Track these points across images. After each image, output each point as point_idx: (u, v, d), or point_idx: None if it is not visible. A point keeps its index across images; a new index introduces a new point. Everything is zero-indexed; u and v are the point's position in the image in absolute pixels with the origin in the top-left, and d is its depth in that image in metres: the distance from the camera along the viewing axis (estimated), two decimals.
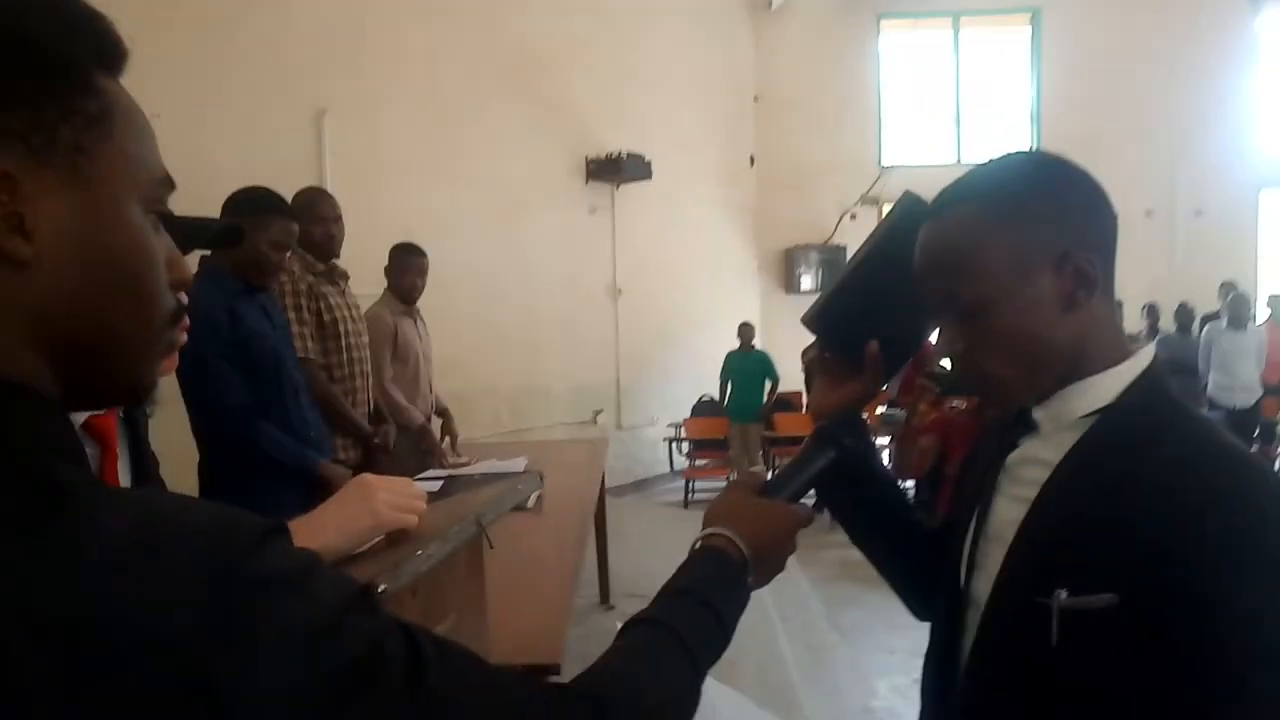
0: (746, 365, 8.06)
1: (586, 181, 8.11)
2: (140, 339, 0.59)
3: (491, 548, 1.05)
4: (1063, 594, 0.83)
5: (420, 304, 4.17)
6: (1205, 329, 7.63)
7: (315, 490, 2.51)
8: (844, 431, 1.00)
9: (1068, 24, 10.43)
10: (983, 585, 0.95)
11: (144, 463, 1.15)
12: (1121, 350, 0.91)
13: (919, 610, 1.19)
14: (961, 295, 0.90)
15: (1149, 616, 0.79)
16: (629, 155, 8.00)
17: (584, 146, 8.06)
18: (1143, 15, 10.15)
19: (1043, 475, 0.91)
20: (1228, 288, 7.72)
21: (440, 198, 6.48)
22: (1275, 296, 8.10)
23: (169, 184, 0.62)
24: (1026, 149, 0.97)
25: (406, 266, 4.04)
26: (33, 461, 0.50)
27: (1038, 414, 0.94)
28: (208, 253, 2.65)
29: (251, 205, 2.61)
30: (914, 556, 1.15)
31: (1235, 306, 7.41)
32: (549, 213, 7.69)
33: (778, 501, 0.94)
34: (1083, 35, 10.33)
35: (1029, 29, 10.74)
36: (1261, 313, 8.16)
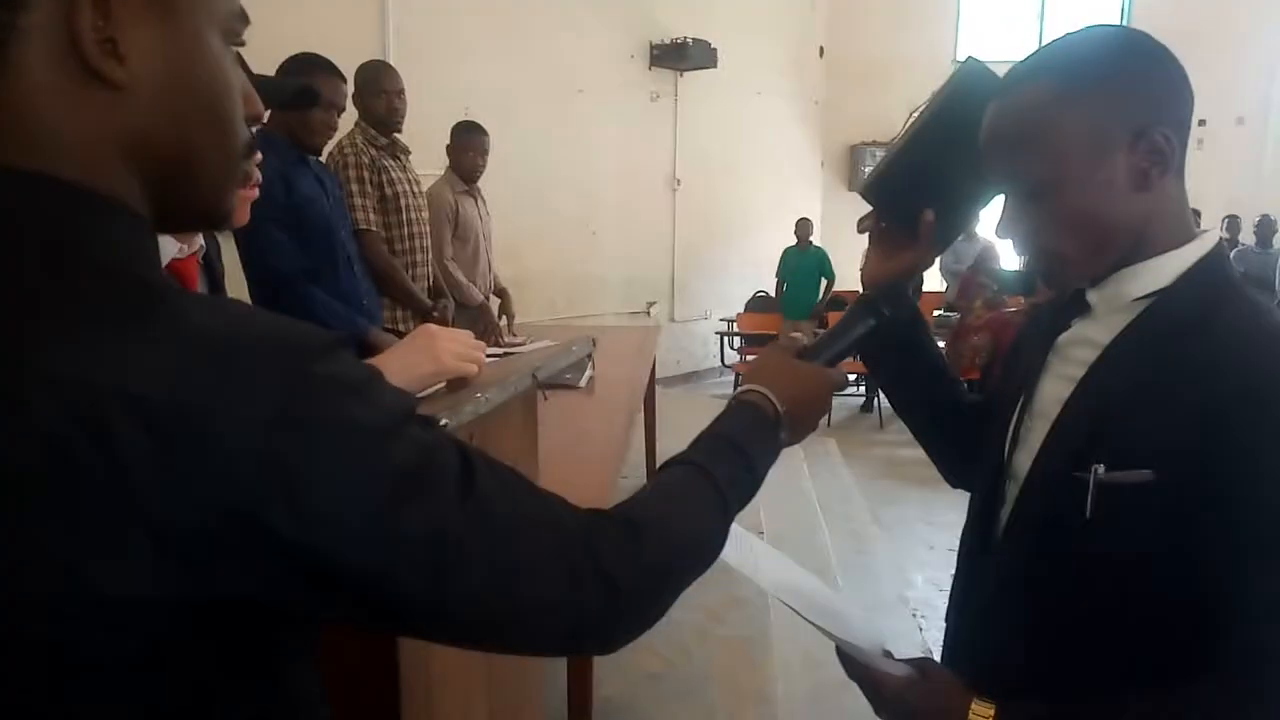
0: (803, 262, 7.96)
1: (650, 67, 7.92)
2: (220, 165, 0.62)
3: (545, 399, 1.10)
4: (1100, 469, 0.84)
5: (480, 184, 4.19)
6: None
7: (365, 357, 2.59)
8: (886, 301, 1.01)
9: None
10: (1024, 459, 0.97)
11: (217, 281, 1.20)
12: (1187, 232, 0.89)
13: (956, 480, 1.22)
14: (1031, 175, 0.89)
15: (1183, 494, 0.80)
16: (694, 41, 7.77)
17: (649, 31, 7.84)
18: None
19: (1092, 356, 0.91)
20: (1264, 221, 7.37)
21: (502, 78, 6.39)
22: None
23: (245, 18, 0.64)
24: (1104, 24, 0.93)
25: (469, 145, 4.04)
26: (131, 267, 0.54)
27: (1091, 296, 0.93)
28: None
29: (301, 66, 2.65)
30: (956, 427, 1.17)
31: (1264, 225, 7.09)
32: (610, 98, 7.55)
33: (814, 364, 0.96)
34: None
35: None
36: None
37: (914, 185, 1.05)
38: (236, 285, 2.57)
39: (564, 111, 7.09)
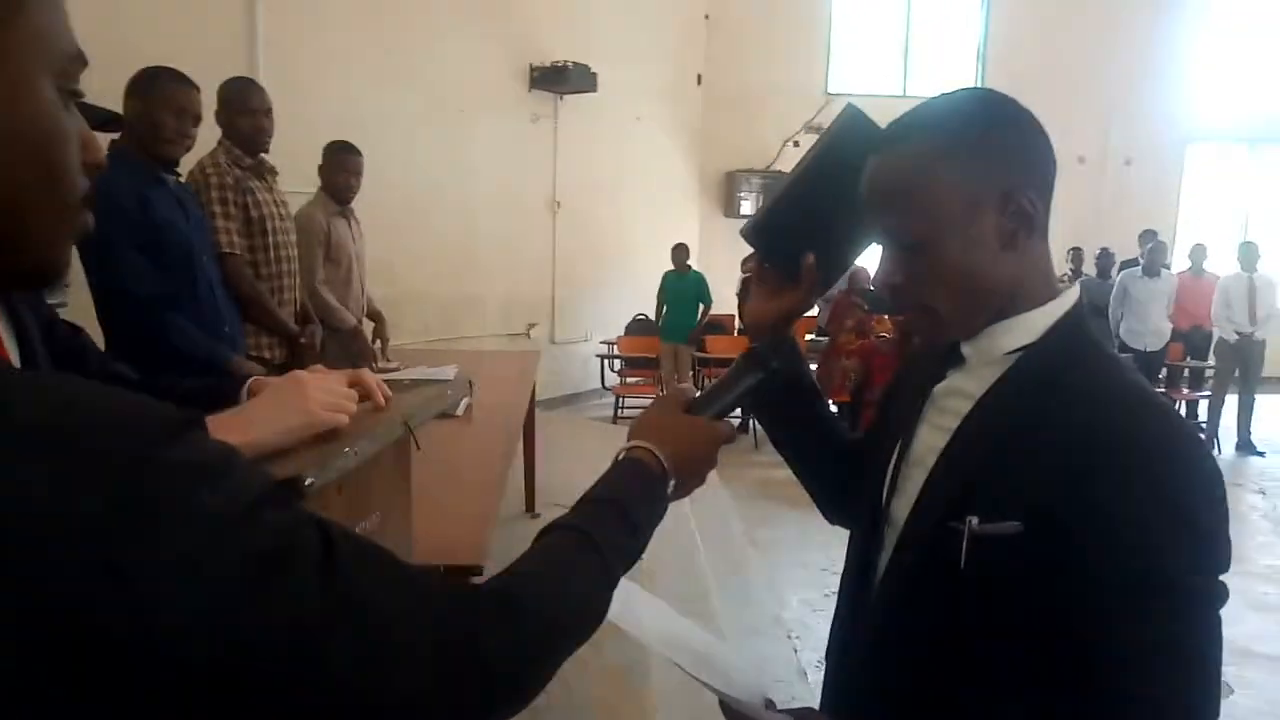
0: (682, 286, 8.08)
1: (530, 89, 7.91)
2: (52, 218, 0.57)
3: (419, 449, 1.06)
4: (974, 520, 0.87)
5: (354, 205, 4.06)
6: (1121, 275, 7.90)
7: (227, 386, 2.47)
8: (774, 354, 1.02)
9: None
10: (902, 507, 0.99)
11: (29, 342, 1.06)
12: (1051, 289, 0.94)
13: (833, 517, 1.25)
14: (906, 230, 0.91)
15: (1050, 544, 0.83)
16: (574, 65, 7.80)
17: (529, 53, 7.83)
18: None
19: (965, 407, 0.94)
20: (1148, 236, 7.98)
21: (378, 96, 6.25)
22: (1198, 246, 8.40)
23: (81, 60, 0.59)
24: (975, 86, 0.96)
25: (342, 165, 3.92)
26: None
27: (966, 349, 0.96)
28: (116, 137, 2.55)
29: (150, 78, 2.57)
30: (835, 469, 1.20)
31: (1153, 254, 7.69)
32: (490, 119, 7.50)
33: (702, 418, 0.95)
34: None
35: None
36: (1180, 262, 8.47)
37: (796, 228, 1.07)
38: (83, 308, 2.41)
39: (444, 131, 6.99)
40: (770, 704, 0.98)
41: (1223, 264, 8.30)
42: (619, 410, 8.19)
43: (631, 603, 0.98)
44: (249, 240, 3.00)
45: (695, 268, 8.38)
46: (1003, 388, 0.92)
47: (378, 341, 4.05)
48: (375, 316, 4.14)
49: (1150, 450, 0.82)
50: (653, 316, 8.46)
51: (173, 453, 0.49)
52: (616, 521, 0.78)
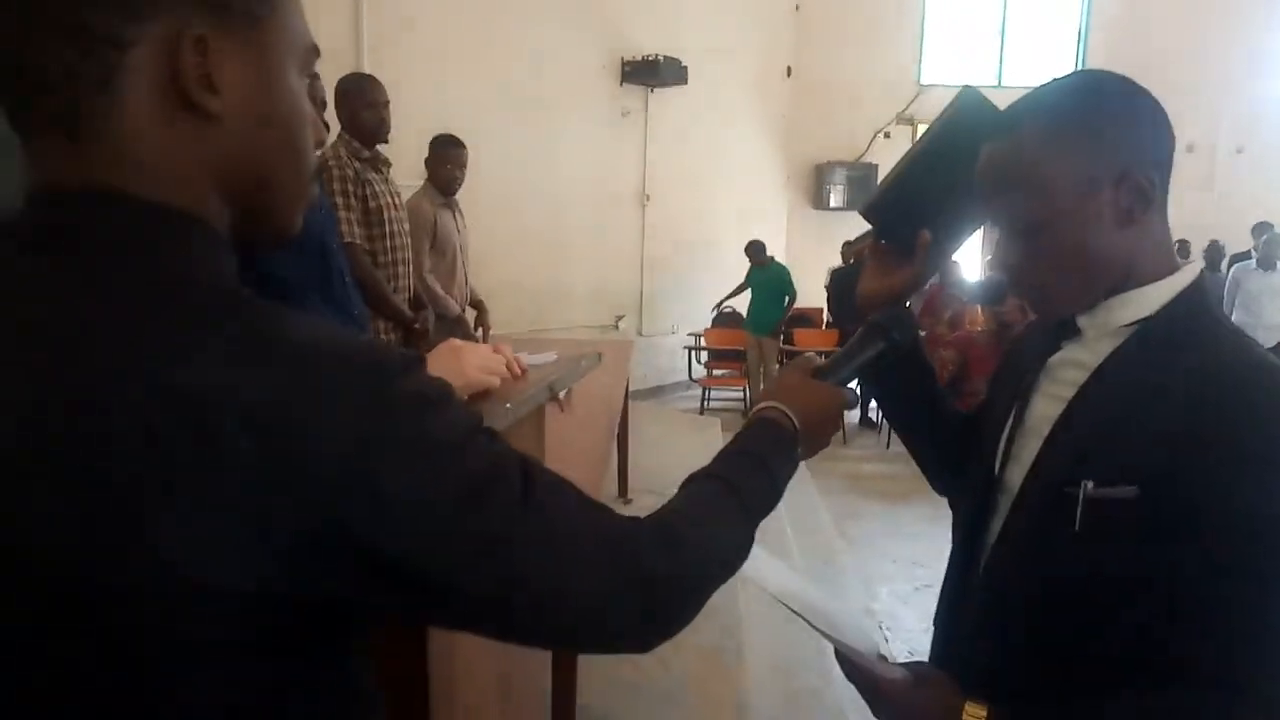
0: (764, 279, 8.09)
1: (621, 83, 8.00)
2: (296, 189, 0.67)
3: (563, 411, 1.14)
4: (1089, 485, 0.90)
5: (457, 196, 4.21)
6: (1233, 268, 7.59)
7: None
8: (894, 325, 1.07)
9: None
10: (1016, 474, 1.02)
11: None
12: (1170, 264, 0.96)
13: (942, 487, 1.29)
14: (1022, 213, 0.95)
15: (1166, 510, 0.86)
16: (665, 59, 7.87)
17: (620, 47, 7.93)
18: None
19: (1081, 377, 0.97)
20: (1263, 228, 7.62)
21: (473, 92, 6.43)
22: None
23: (316, 51, 0.69)
24: (1089, 69, 1.00)
25: (447, 158, 4.06)
26: (232, 286, 0.58)
27: (1082, 321, 0.99)
28: None
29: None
30: (946, 439, 1.24)
31: (1268, 247, 7.35)
32: (582, 112, 7.63)
33: (828, 384, 1.01)
34: None
35: None
36: None
37: (911, 207, 1.11)
38: None
39: (536, 126, 7.14)
40: (883, 658, 1.03)
41: None
42: (705, 402, 8.25)
43: (756, 559, 1.05)
44: (367, 230, 3.16)
45: (782, 260, 8.37)
46: (1120, 358, 0.95)
47: (479, 329, 4.19)
48: (478, 305, 4.28)
49: (1263, 422, 0.84)
50: (739, 309, 8.46)
51: (408, 384, 0.58)
52: (755, 472, 0.85)
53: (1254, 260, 7.40)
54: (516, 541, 0.61)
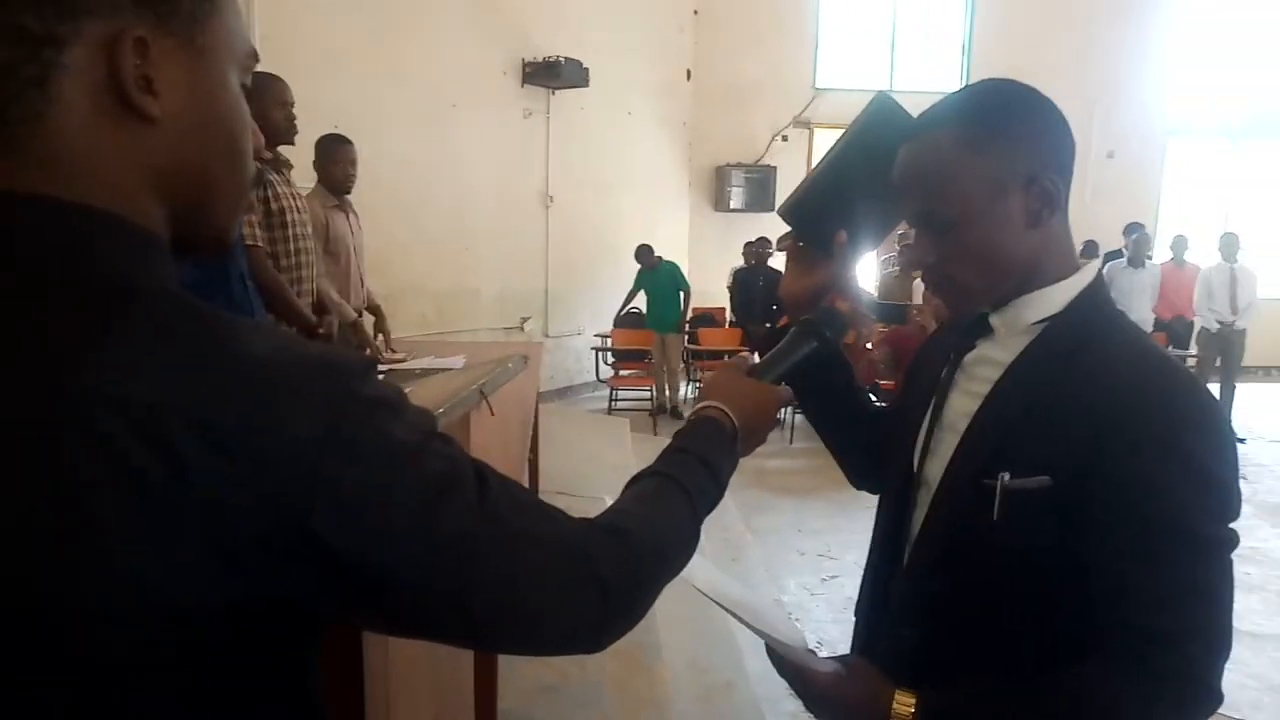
0: (657, 279, 8.17)
1: (523, 84, 7.96)
2: (235, 194, 0.66)
3: (493, 414, 1.14)
4: (1005, 476, 0.95)
5: (350, 198, 4.12)
6: (1107, 266, 8.05)
7: None
8: (825, 324, 1.11)
9: None
10: (935, 468, 1.07)
11: None
12: (1072, 264, 1.02)
13: (860, 483, 1.33)
14: (938, 212, 0.99)
15: (1077, 498, 0.92)
16: (567, 60, 7.87)
17: (521, 48, 7.89)
18: None
19: (995, 374, 1.03)
20: (1133, 228, 8.11)
21: (370, 91, 6.29)
22: (1180, 238, 8.56)
23: (255, 56, 0.68)
24: (999, 77, 1.05)
25: (337, 156, 3.97)
26: (178, 293, 0.57)
27: (994, 320, 1.04)
28: None
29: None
30: (866, 436, 1.28)
31: (1138, 246, 7.84)
32: (483, 113, 7.56)
33: (764, 382, 1.04)
34: None
35: None
36: (1162, 254, 8.62)
37: (829, 208, 1.15)
38: None
39: (436, 126, 7.04)
40: (812, 652, 1.05)
41: (1202, 255, 8.45)
42: (613, 401, 8.28)
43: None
44: (269, 233, 3.07)
45: (685, 261, 8.46)
46: (1031, 355, 1.00)
47: (379, 335, 4.10)
48: (375, 310, 4.18)
49: (1169, 410, 0.91)
50: (639, 310, 8.51)
51: (366, 388, 0.58)
52: (699, 469, 0.87)
53: (1125, 259, 7.86)
54: (476, 544, 0.61)
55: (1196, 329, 8.06)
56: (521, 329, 8.26)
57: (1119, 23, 10.48)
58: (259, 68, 0.72)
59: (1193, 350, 8.12)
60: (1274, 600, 4.32)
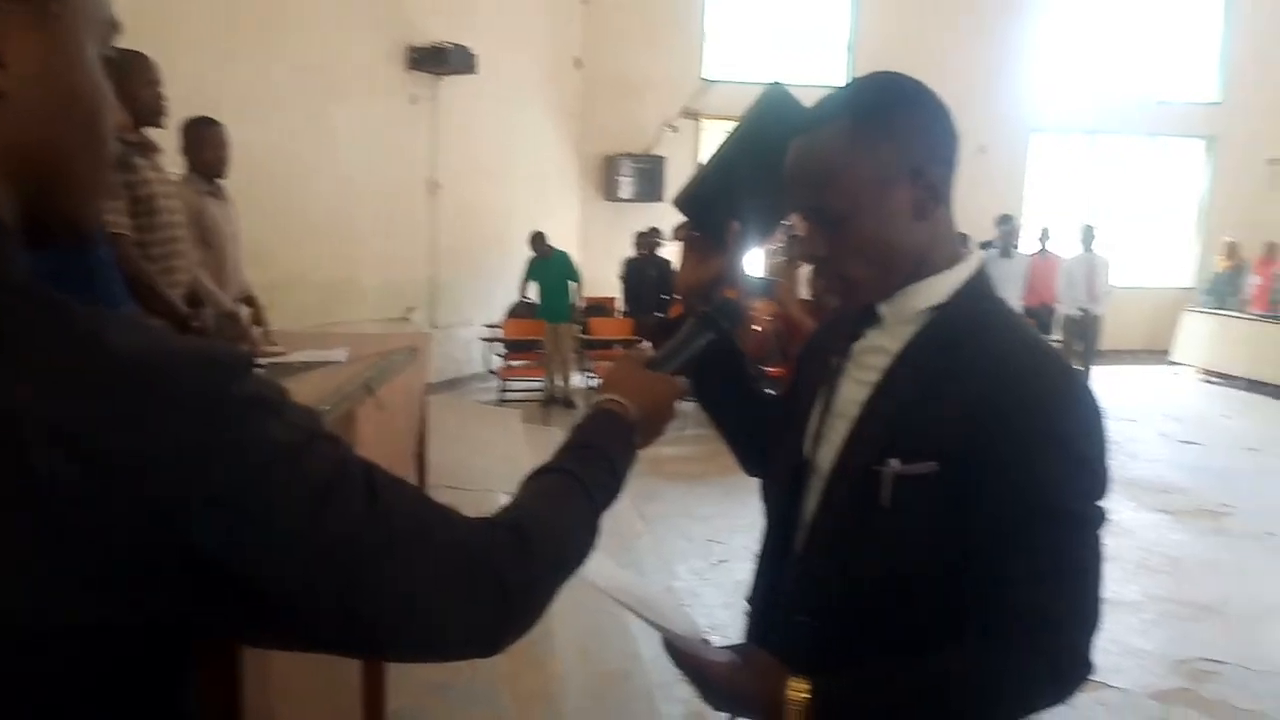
0: (550, 267, 8.12)
1: (407, 70, 7.76)
2: (93, 175, 0.61)
3: (381, 409, 1.10)
4: (895, 462, 0.98)
5: (224, 184, 3.93)
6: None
7: None
8: (722, 315, 1.11)
9: None
10: (826, 456, 1.09)
11: None
12: (956, 254, 1.05)
13: (751, 469, 1.34)
14: (828, 206, 1.01)
15: (962, 481, 0.94)
16: (454, 46, 7.70)
17: (406, 33, 7.68)
18: None
19: (884, 362, 1.05)
20: (1004, 219, 8.50)
21: (246, 73, 6.02)
22: (1045, 229, 9.03)
23: (116, 26, 0.63)
24: (886, 71, 1.07)
25: (208, 139, 3.77)
26: (31, 285, 0.52)
27: (883, 309, 1.07)
28: None
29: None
30: (757, 424, 1.29)
31: (1007, 237, 8.23)
32: (367, 98, 7.33)
33: (662, 374, 1.04)
34: None
35: None
36: (1029, 244, 9.06)
37: (722, 198, 1.16)
38: None
39: (319, 111, 6.80)
40: (707, 643, 1.06)
41: (1065, 246, 8.94)
42: (504, 393, 8.19)
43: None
44: (136, 220, 2.89)
45: (576, 250, 8.43)
46: (918, 343, 1.03)
47: (257, 328, 3.93)
48: (250, 301, 4.00)
49: (1046, 396, 0.95)
50: (529, 300, 8.44)
51: (243, 386, 0.54)
52: (598, 464, 0.85)
53: (996, 249, 8.24)
54: (365, 548, 0.58)
55: (1059, 315, 8.53)
56: (407, 319, 8.07)
57: (987, 23, 10.99)
58: (128, 46, 0.67)
59: (1056, 336, 8.59)
60: (1129, 569, 4.61)
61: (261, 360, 3.06)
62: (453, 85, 8.04)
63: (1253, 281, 10.32)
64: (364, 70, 7.34)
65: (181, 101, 4.46)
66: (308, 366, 2.47)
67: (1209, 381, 10.30)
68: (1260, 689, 3.50)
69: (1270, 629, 4.06)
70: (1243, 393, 9.69)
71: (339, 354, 3.24)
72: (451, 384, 8.57)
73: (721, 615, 3.88)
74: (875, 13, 10.91)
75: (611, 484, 0.87)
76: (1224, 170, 12.02)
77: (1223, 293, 10.52)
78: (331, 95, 6.95)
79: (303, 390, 1.00)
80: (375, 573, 0.59)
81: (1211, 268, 11.06)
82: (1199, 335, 10.50)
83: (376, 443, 2.35)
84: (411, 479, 2.33)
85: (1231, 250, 10.55)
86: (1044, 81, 11.49)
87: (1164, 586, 4.47)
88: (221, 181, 3.90)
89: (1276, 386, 9.36)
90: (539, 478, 0.83)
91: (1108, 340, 8.77)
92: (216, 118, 3.88)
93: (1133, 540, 4.98)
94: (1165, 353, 10.90)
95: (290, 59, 6.48)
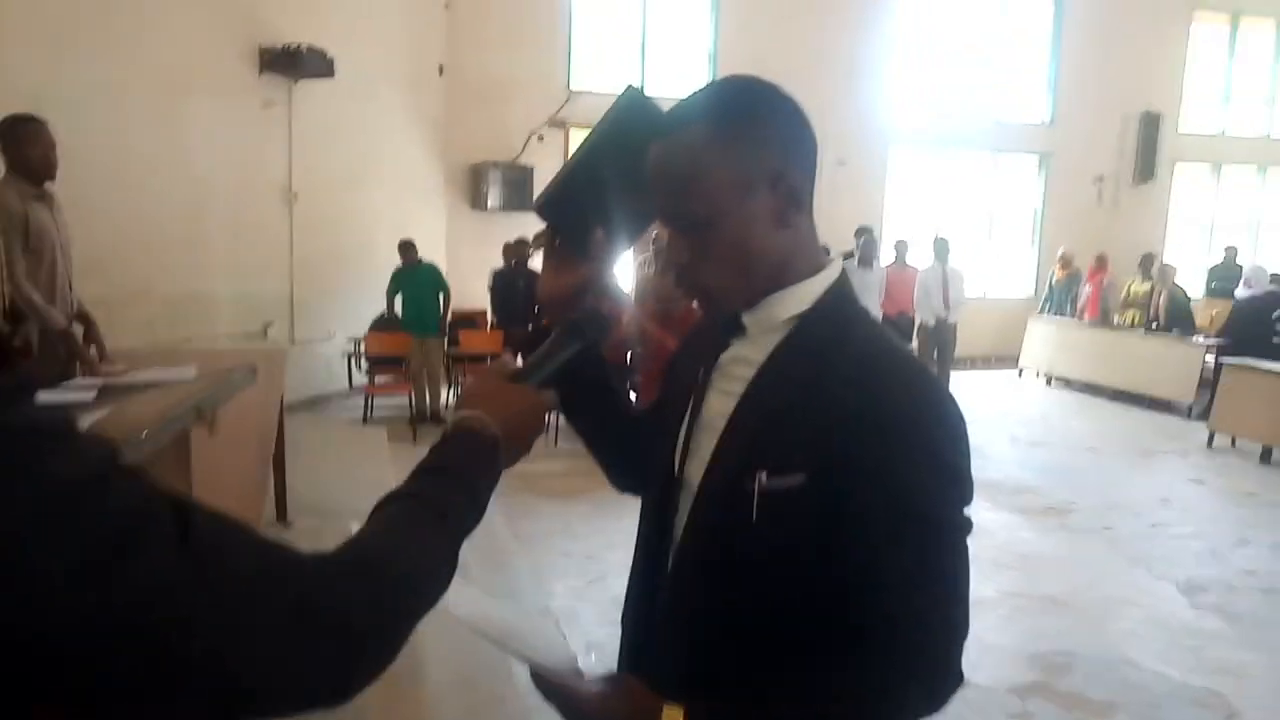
0: (416, 279, 7.91)
1: (260, 73, 7.40)
2: None
3: (211, 435, 0.99)
4: (763, 476, 0.95)
5: (53, 190, 3.62)
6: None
7: None
8: (589, 325, 1.06)
9: None
10: (695, 470, 1.05)
11: None
12: (818, 261, 1.04)
13: (622, 485, 1.30)
14: (688, 211, 0.98)
15: (830, 492, 0.92)
16: (309, 49, 7.40)
17: (257, 34, 7.33)
18: None
19: (749, 372, 1.02)
20: (862, 231, 8.82)
21: (76, 70, 5.61)
22: (901, 241, 9.45)
23: None
24: (744, 75, 1.05)
25: (33, 137, 3.47)
26: None
27: (747, 319, 1.04)
28: None
29: None
30: (626, 439, 1.25)
31: (866, 248, 8.55)
32: (216, 102, 6.95)
33: (527, 387, 0.98)
34: None
35: None
36: (887, 255, 9.43)
37: (584, 203, 1.11)
38: None
39: (161, 113, 6.41)
40: (578, 671, 1.01)
41: (921, 258, 9.35)
42: (369, 410, 7.91)
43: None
44: None
45: (443, 261, 8.24)
46: (782, 353, 1.00)
47: (91, 346, 3.63)
48: (84, 318, 3.67)
49: (911, 405, 0.94)
50: (388, 313, 8.20)
51: (15, 417, 0.45)
52: (455, 488, 0.79)
53: (855, 259, 8.54)
54: (178, 596, 0.50)
55: (916, 324, 8.90)
56: (264, 335, 7.69)
57: (844, 40, 11.42)
58: None
59: (913, 344, 8.96)
60: (986, 568, 4.82)
61: (94, 381, 2.81)
62: (309, 89, 7.73)
63: (1085, 291, 11.07)
64: (212, 70, 6.96)
65: (3, 95, 4.11)
66: (150, 386, 2.27)
67: (1052, 386, 10.97)
68: (1111, 679, 3.70)
69: (1115, 620, 4.31)
70: (1081, 395, 10.37)
71: (187, 372, 3.00)
72: (313, 403, 8.21)
73: (599, 634, 3.82)
74: (736, 28, 11.16)
75: (471, 508, 0.80)
76: (1056, 186, 12.86)
77: (1060, 301, 11.24)
78: (176, 94, 6.55)
79: (125, 416, 0.88)
80: (191, 626, 0.50)
81: (1049, 278, 11.79)
82: (1042, 342, 11.18)
83: (218, 469, 2.19)
84: (262, 509, 2.18)
85: (1066, 261, 11.29)
86: (899, 98, 12.00)
87: (1017, 583, 4.69)
88: (50, 186, 3.58)
89: (1110, 389, 10.06)
90: (389, 505, 0.76)
91: (960, 348, 9.21)
92: (43, 114, 3.57)
93: (989, 540, 5.20)
94: (1013, 359, 11.54)
95: (129, 56, 6.08)
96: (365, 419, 7.81)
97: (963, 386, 9.47)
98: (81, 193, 3.94)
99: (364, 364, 8.17)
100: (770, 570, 0.97)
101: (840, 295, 1.03)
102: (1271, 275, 9.71)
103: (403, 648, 0.67)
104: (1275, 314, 9.06)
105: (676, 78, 10.76)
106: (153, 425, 0.83)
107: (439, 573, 0.74)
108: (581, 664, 1.01)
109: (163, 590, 0.49)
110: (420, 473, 0.81)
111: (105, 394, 2.30)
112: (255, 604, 0.54)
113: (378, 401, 8.00)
